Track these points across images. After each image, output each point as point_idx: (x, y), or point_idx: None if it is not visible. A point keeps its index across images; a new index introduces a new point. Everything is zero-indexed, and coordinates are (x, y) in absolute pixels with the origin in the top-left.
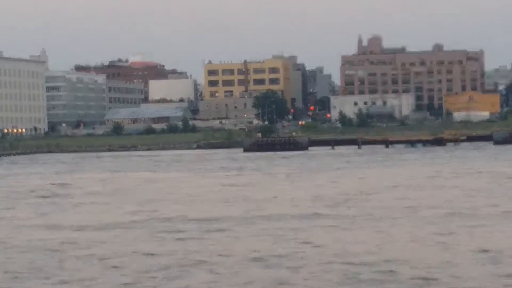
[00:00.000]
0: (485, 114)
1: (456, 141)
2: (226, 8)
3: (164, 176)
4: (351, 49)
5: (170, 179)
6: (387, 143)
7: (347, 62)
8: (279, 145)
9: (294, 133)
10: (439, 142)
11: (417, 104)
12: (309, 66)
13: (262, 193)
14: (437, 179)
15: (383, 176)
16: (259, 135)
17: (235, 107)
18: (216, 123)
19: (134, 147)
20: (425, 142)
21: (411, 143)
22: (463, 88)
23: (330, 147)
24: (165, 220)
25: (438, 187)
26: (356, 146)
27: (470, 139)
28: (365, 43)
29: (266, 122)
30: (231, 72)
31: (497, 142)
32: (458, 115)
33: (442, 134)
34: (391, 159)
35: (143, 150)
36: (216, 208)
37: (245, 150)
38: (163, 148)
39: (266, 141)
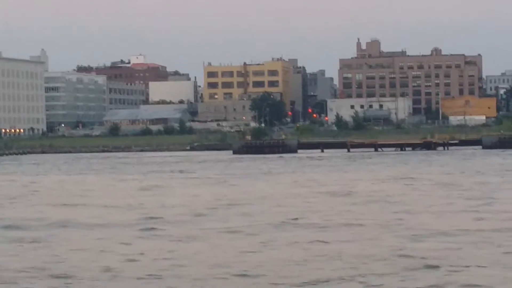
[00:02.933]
0: (481, 118)
1: (445, 145)
2: (227, 10)
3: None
4: (352, 53)
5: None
6: (376, 146)
7: (345, 65)
8: (268, 148)
9: (283, 136)
10: (429, 146)
11: (414, 107)
12: (310, 69)
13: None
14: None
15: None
16: (248, 137)
17: (234, 109)
18: (213, 125)
19: (128, 148)
20: (414, 146)
21: (400, 146)
22: (461, 92)
23: (320, 150)
24: None
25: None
26: (346, 150)
27: (462, 143)
28: (363, 46)
29: (263, 125)
30: (231, 74)
31: (485, 147)
32: (454, 119)
33: (432, 138)
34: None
35: (137, 151)
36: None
37: (235, 152)
38: (157, 150)
39: (255, 144)
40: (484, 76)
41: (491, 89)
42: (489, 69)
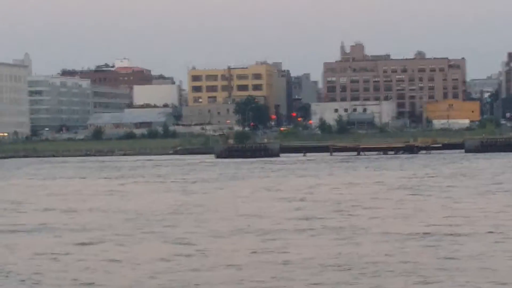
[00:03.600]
0: (465, 122)
1: (427, 148)
2: (211, 14)
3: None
4: (336, 56)
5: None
6: (358, 150)
7: (329, 69)
8: (250, 152)
9: (265, 140)
10: (411, 149)
11: (398, 111)
12: (295, 73)
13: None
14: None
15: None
16: (231, 141)
17: (218, 113)
18: (197, 129)
19: (111, 152)
20: (397, 150)
21: (383, 150)
22: (445, 96)
23: (302, 154)
24: None
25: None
26: (328, 153)
27: (445, 147)
28: (347, 50)
29: (247, 129)
30: (215, 78)
31: (468, 150)
32: (437, 123)
33: (415, 142)
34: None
35: (120, 155)
36: None
37: (217, 156)
38: (140, 153)
39: (237, 148)
40: (468, 79)
41: (476, 92)
42: (474, 73)
